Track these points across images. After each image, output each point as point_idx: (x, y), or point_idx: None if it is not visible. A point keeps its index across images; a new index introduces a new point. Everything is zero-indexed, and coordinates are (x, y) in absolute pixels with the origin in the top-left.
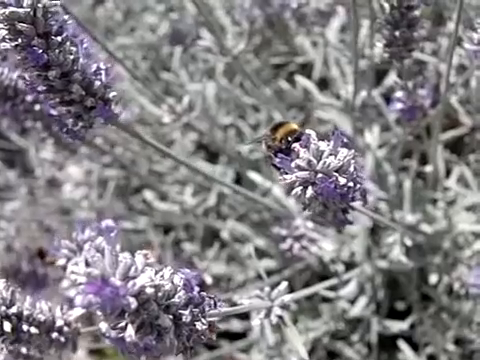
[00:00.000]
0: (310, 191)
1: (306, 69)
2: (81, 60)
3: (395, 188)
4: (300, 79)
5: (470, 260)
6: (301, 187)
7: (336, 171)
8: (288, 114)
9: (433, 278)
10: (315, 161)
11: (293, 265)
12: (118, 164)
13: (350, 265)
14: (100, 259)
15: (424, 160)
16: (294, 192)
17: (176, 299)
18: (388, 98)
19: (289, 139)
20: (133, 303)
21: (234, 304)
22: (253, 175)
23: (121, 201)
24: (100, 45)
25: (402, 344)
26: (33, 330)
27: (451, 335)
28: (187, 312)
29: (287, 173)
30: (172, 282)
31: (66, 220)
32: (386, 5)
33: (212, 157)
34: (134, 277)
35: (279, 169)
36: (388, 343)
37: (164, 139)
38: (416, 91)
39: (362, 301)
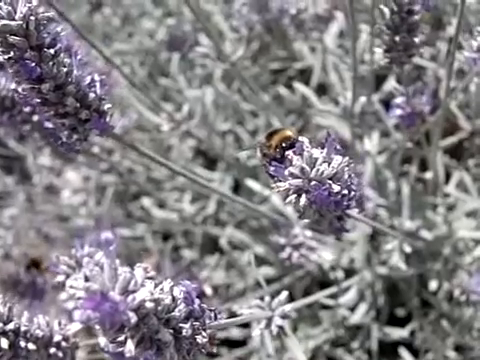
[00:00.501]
0: (304, 199)
1: (304, 74)
2: (75, 72)
3: (395, 194)
4: (298, 86)
5: (470, 266)
6: (295, 195)
7: (330, 178)
8: (287, 120)
9: (433, 284)
10: (308, 169)
11: (293, 272)
12: (116, 171)
13: (350, 271)
14: (99, 273)
15: (424, 165)
16: (288, 200)
17: (176, 312)
18: (387, 103)
19: (283, 146)
20: (133, 318)
21: (234, 313)
22: (251, 183)
23: (120, 207)
24: (97, 52)
25: (402, 351)
26: (31, 346)
27: (451, 342)
28: (187, 325)
29: (281, 181)
30: (172, 295)
31: (64, 227)
32: (386, 10)
33: (211, 163)
34: (134, 291)
35: (273, 177)
36: (388, 350)
37: (162, 145)
38: (415, 97)
39: (362, 308)
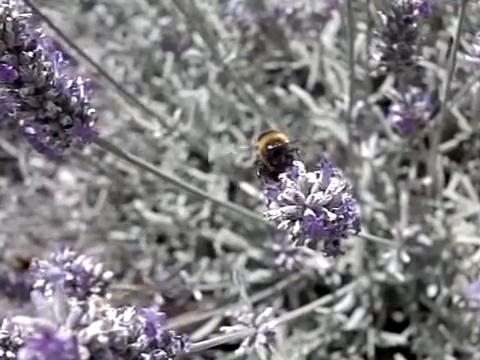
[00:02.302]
0: (297, 227)
1: (301, 75)
2: (56, 75)
3: (393, 198)
4: (295, 89)
5: (470, 271)
6: (288, 221)
7: (325, 206)
8: (283, 121)
9: (432, 290)
10: (303, 196)
11: (288, 276)
12: (109, 173)
13: (346, 276)
14: (49, 307)
15: (422, 167)
16: (281, 226)
17: (137, 343)
18: (385, 104)
19: (270, 149)
20: (84, 353)
21: (225, 319)
22: (246, 186)
23: (114, 209)
24: (83, 56)
25: (399, 357)
26: (9, 355)
27: (450, 347)
28: (149, 357)
29: (274, 206)
30: (134, 325)
31: (57, 230)
32: (384, 17)
33: (206, 165)
34: (85, 325)
35: (266, 200)
36: (385, 354)
37: (156, 146)
38: (414, 104)
39: (359, 313)
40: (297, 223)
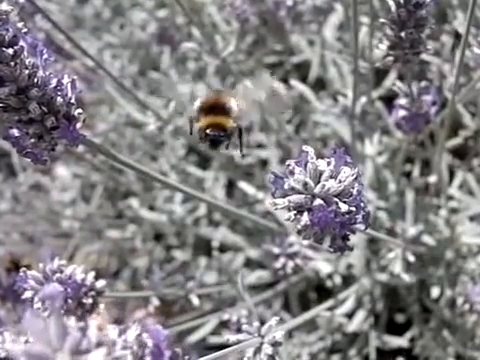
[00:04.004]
0: (305, 218)
1: (302, 69)
2: (40, 74)
3: (395, 196)
4: (296, 83)
5: (474, 272)
6: (295, 211)
7: (336, 196)
8: (283, 116)
9: (435, 291)
10: (312, 183)
11: (288, 278)
12: (104, 170)
13: (348, 277)
14: (44, 330)
15: (426, 164)
16: (287, 216)
17: None
18: (389, 99)
19: (208, 134)
20: None
21: (223, 322)
22: (244, 186)
23: (110, 206)
24: (80, 50)
25: (401, 359)
26: None
27: (452, 350)
28: None
29: (280, 195)
30: (138, 346)
31: (51, 227)
32: (391, 2)
33: (204, 161)
34: (86, 351)
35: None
36: (387, 356)
37: (154, 141)
38: (420, 98)
39: (360, 315)
40: (305, 214)
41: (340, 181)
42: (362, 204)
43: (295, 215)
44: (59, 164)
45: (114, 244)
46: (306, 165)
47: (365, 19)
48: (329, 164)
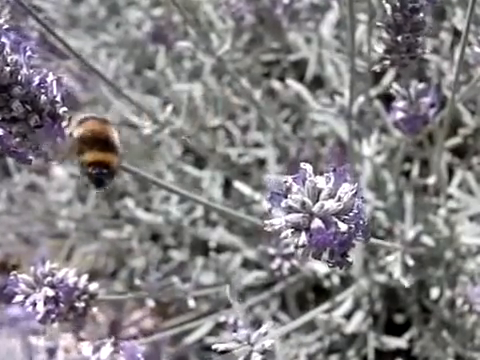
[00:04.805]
0: (303, 238)
1: (299, 67)
2: (24, 71)
3: (394, 196)
4: (292, 83)
5: (473, 273)
6: (292, 229)
7: (336, 215)
8: (280, 115)
9: (434, 292)
10: (310, 203)
11: (285, 279)
12: None
13: (346, 277)
14: (11, 352)
15: (425, 163)
16: (284, 235)
17: None
18: (387, 97)
19: (91, 172)
20: None
21: (219, 324)
22: (241, 186)
23: (107, 205)
24: (69, 50)
25: None
26: None
27: (452, 351)
28: None
29: (277, 214)
30: None
31: (48, 228)
32: (387, 6)
33: (201, 160)
34: None
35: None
36: (386, 357)
37: (150, 140)
38: (419, 100)
39: (358, 316)
40: (303, 234)
41: (339, 198)
42: (361, 221)
43: (292, 233)
44: (55, 164)
45: (111, 244)
46: (304, 182)
47: (363, 16)
48: (328, 182)
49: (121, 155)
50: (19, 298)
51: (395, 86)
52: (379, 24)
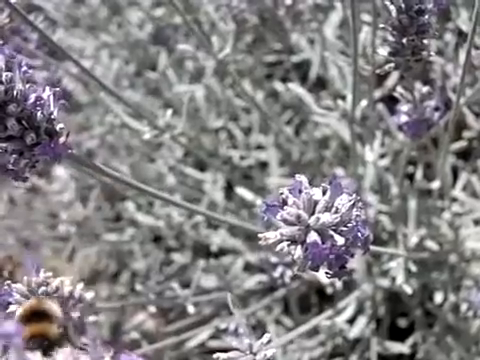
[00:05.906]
0: (299, 251)
1: (302, 68)
2: (19, 87)
3: (398, 199)
4: (293, 86)
5: (478, 277)
6: (288, 242)
7: (332, 227)
8: (282, 116)
9: (438, 296)
10: (306, 216)
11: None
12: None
13: (349, 281)
14: None
15: (429, 166)
16: (279, 247)
17: None
18: (390, 99)
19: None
20: None
21: (219, 331)
22: (242, 191)
23: (109, 207)
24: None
25: None
26: None
27: (456, 356)
28: None
29: (272, 227)
30: None
31: (49, 231)
32: (392, 8)
33: (202, 162)
34: None
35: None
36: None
37: (151, 143)
38: (423, 103)
39: (361, 321)
40: (298, 247)
41: (336, 210)
42: (360, 234)
43: (288, 246)
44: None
45: (113, 246)
46: (300, 194)
47: (367, 17)
48: (324, 193)
49: (62, 325)
50: (13, 308)
51: (399, 89)
52: (383, 26)
